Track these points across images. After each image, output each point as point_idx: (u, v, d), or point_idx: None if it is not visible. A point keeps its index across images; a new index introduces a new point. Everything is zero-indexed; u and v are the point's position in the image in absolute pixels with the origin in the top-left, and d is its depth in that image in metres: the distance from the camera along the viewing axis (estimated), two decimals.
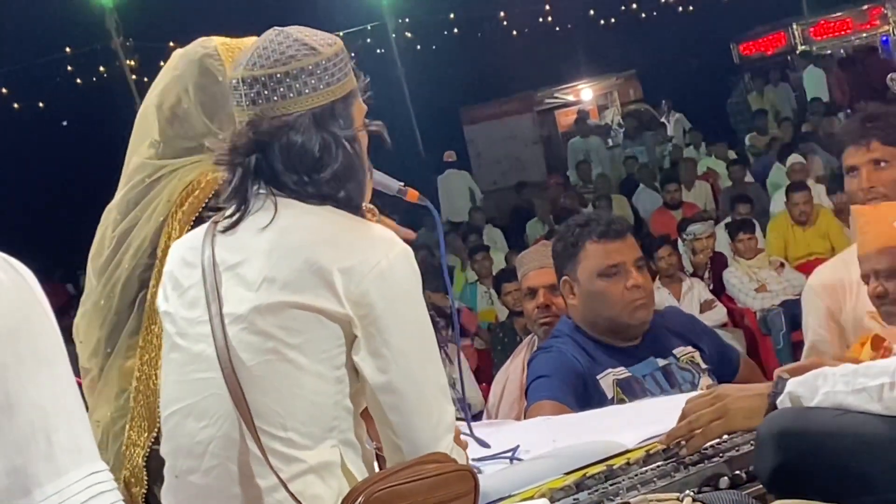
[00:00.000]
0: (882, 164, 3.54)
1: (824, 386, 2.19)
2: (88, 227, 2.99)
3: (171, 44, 16.37)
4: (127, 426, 2.76)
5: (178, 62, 2.94)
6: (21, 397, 1.44)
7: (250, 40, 2.91)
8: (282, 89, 2.21)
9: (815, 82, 20.00)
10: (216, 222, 2.30)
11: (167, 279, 2.36)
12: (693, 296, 8.41)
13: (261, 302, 2.16)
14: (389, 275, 2.16)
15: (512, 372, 4.10)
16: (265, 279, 2.17)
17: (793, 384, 2.27)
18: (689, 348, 3.54)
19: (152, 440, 2.76)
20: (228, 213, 2.28)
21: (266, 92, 2.21)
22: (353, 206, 2.26)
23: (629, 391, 3.39)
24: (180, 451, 2.27)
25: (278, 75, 2.21)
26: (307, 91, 2.21)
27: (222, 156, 2.28)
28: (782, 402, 2.27)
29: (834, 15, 23.78)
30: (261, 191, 2.25)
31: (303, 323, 2.15)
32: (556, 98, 23.09)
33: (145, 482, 2.75)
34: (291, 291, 2.14)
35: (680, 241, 9.61)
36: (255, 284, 2.18)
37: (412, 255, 2.23)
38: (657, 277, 8.25)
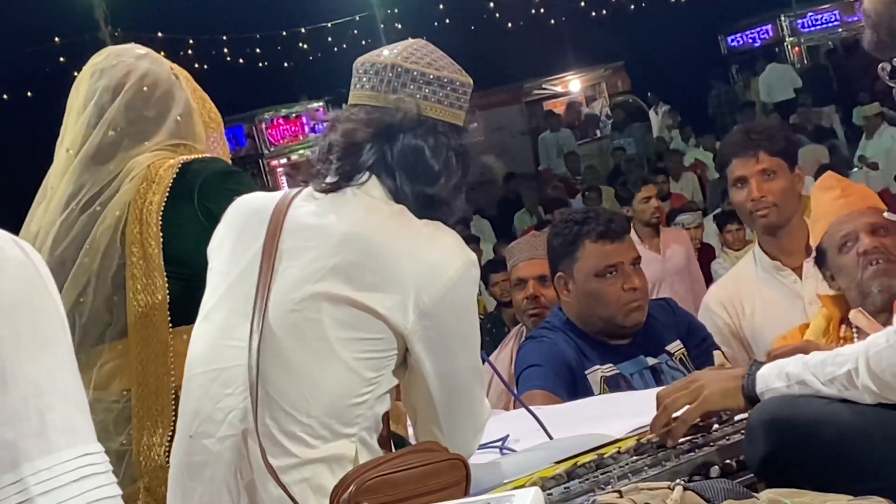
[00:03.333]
0: (770, 174, 3.60)
1: (797, 375, 2.19)
2: None
3: (160, 34, 16.42)
4: (133, 432, 2.73)
5: (120, 55, 2.96)
6: (16, 373, 1.44)
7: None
8: (427, 90, 2.25)
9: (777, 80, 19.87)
10: (294, 194, 2.31)
11: (227, 236, 2.35)
12: None
13: (322, 290, 2.17)
14: (456, 288, 2.21)
15: (500, 362, 4.10)
16: (332, 268, 2.18)
17: (764, 369, 2.27)
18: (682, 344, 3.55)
19: (170, 434, 2.72)
20: (329, 180, 2.27)
21: (412, 86, 2.25)
22: (440, 219, 2.28)
23: (615, 389, 3.40)
24: (200, 413, 2.27)
25: (430, 76, 2.26)
26: (446, 103, 2.26)
27: (345, 130, 2.27)
28: (755, 384, 2.27)
29: (822, 7, 23.82)
30: (361, 177, 2.26)
31: (360, 321, 2.17)
32: (545, 89, 23.08)
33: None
34: (358, 288, 2.16)
35: None
36: (321, 271, 2.18)
37: (476, 263, 2.29)
38: None
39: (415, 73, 2.24)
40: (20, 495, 1.42)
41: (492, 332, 8.44)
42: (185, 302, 2.74)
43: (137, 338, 2.76)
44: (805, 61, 23.14)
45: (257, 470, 2.17)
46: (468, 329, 2.28)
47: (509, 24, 22.75)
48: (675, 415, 2.38)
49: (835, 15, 23.62)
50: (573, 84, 23.33)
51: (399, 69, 2.25)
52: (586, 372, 3.45)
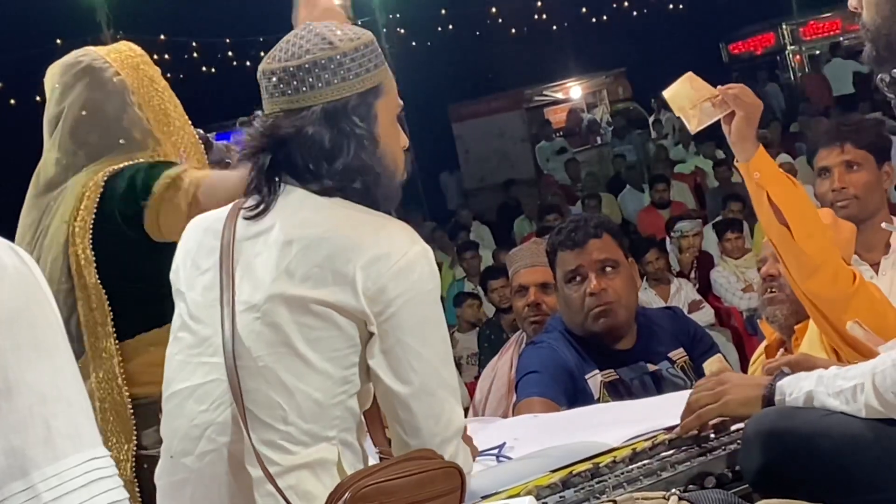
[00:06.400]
0: (854, 166, 3.59)
1: (807, 386, 2.21)
2: None
3: (163, 37, 16.43)
4: None
5: (63, 74, 2.99)
6: (20, 382, 1.45)
7: (122, 45, 3.05)
8: (295, 83, 2.23)
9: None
10: (240, 208, 2.31)
11: (184, 258, 2.36)
12: (681, 297, 8.42)
13: (277, 293, 2.17)
14: (408, 272, 2.16)
15: (500, 368, 4.10)
16: (284, 270, 2.17)
17: (785, 381, 2.29)
18: (685, 351, 3.56)
19: (135, 448, 2.77)
20: (251, 202, 2.29)
21: (282, 86, 2.24)
22: (371, 200, 2.26)
23: (615, 394, 3.40)
24: (177, 432, 2.28)
25: (292, 68, 2.23)
26: (320, 85, 2.23)
27: (246, 150, 2.30)
28: (775, 394, 2.29)
29: (823, 15, 23.83)
30: (282, 183, 2.27)
31: (318, 319, 2.15)
32: (546, 96, 23.09)
33: (138, 495, 2.76)
34: (310, 286, 2.15)
35: (668, 240, 9.62)
36: (273, 275, 2.18)
37: (431, 254, 2.24)
38: (645, 279, 8.26)
39: (279, 72, 2.23)
40: (31, 502, 1.44)
41: (491, 338, 8.45)
42: (133, 315, 2.81)
43: (90, 356, 2.82)
44: (806, 69, 23.16)
45: (242, 483, 2.18)
46: (427, 319, 2.20)
47: (512, 31, 22.78)
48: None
49: (836, 23, 23.63)
50: (574, 91, 23.36)
51: (268, 73, 2.25)
52: (586, 377, 3.45)
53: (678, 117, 3.03)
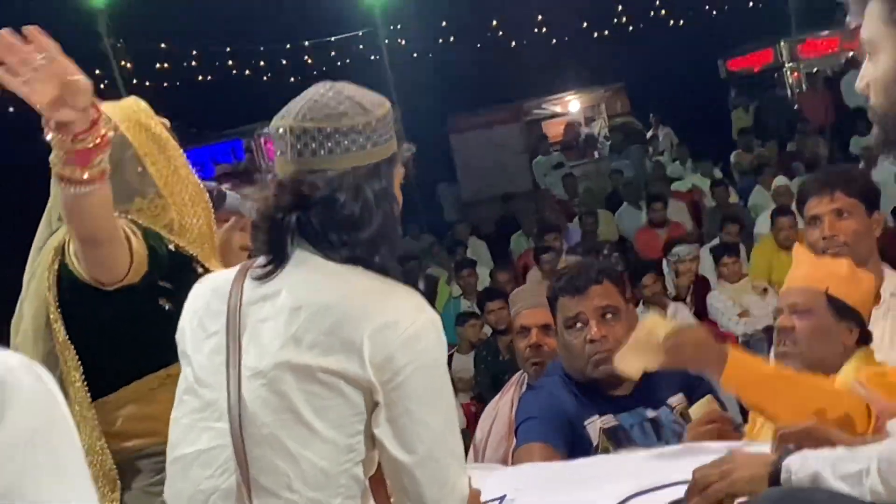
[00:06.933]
0: (844, 214, 3.62)
1: (814, 466, 2.23)
2: None
3: (163, 45, 16.44)
4: None
5: None
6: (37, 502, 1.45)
7: (128, 100, 3.07)
8: (330, 144, 2.21)
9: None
10: (247, 269, 2.31)
11: (191, 319, 2.35)
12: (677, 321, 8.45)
13: (284, 360, 2.17)
14: (415, 341, 2.16)
15: (501, 409, 4.12)
16: (291, 337, 2.17)
17: (791, 459, 2.31)
18: (685, 397, 3.57)
19: (119, 495, 2.83)
20: (262, 262, 2.28)
21: (314, 145, 2.21)
22: (384, 269, 2.25)
23: (614, 440, 3.41)
24: (182, 496, 2.29)
25: (328, 130, 2.21)
26: (354, 149, 2.22)
27: (264, 208, 2.27)
28: (781, 473, 2.31)
29: (822, 33, 23.85)
30: (295, 246, 2.25)
31: (324, 387, 2.16)
32: (544, 109, 23.09)
33: None
34: (317, 354, 2.15)
35: (665, 263, 9.63)
36: (280, 341, 2.18)
37: (440, 323, 2.24)
38: (640, 302, 8.28)
39: (313, 131, 2.21)
40: None
41: (487, 360, 8.45)
42: (108, 369, 2.90)
43: (72, 411, 2.89)
44: (803, 87, 23.18)
45: None
46: (434, 388, 2.20)
47: (513, 43, 22.80)
48: None
49: (835, 41, 23.66)
50: (573, 104, 23.37)
51: (298, 131, 2.22)
52: (585, 423, 3.46)
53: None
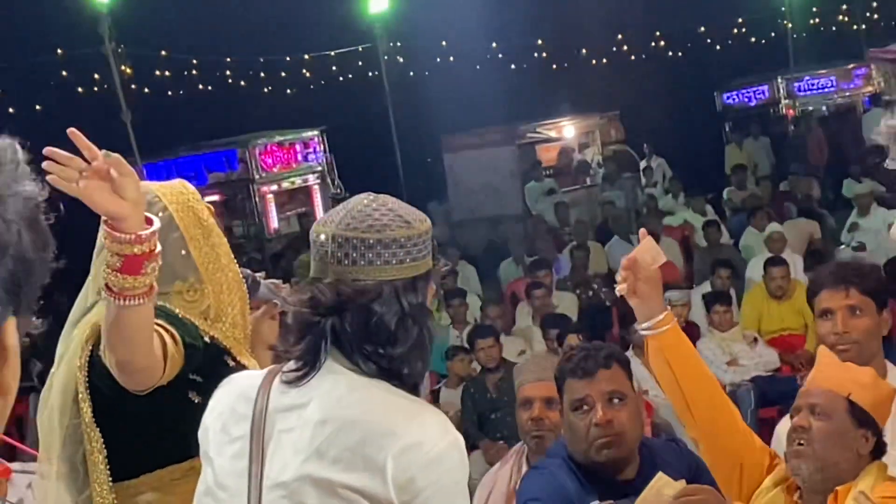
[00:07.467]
0: (857, 311, 3.62)
1: None
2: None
3: (164, 52, 16.42)
4: None
5: None
6: None
7: (176, 182, 3.01)
8: (371, 255, 2.20)
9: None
10: (274, 373, 2.29)
11: (215, 421, 2.34)
12: None
13: (306, 473, 2.15)
14: (438, 463, 2.15)
15: (499, 479, 4.11)
16: (315, 451, 2.16)
17: None
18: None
19: None
20: (293, 367, 2.26)
21: (355, 255, 2.21)
22: (412, 385, 2.25)
23: None
24: None
25: (371, 241, 2.21)
26: (394, 262, 2.21)
27: (299, 310, 2.26)
28: None
29: (819, 71, 23.95)
30: (328, 354, 2.24)
31: (343, 503, 2.14)
32: (538, 133, 23.10)
33: None
34: (339, 469, 2.14)
35: None
36: (305, 454, 2.17)
37: (462, 443, 2.23)
38: (630, 347, 8.26)
39: (355, 241, 2.21)
40: None
41: (475, 397, 8.45)
42: (130, 454, 2.91)
43: (92, 491, 2.91)
44: (799, 125, 23.27)
45: None
46: None
47: (512, 66, 22.85)
48: None
49: (831, 80, 23.76)
50: (567, 129, 23.37)
51: (340, 239, 2.22)
52: None
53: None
